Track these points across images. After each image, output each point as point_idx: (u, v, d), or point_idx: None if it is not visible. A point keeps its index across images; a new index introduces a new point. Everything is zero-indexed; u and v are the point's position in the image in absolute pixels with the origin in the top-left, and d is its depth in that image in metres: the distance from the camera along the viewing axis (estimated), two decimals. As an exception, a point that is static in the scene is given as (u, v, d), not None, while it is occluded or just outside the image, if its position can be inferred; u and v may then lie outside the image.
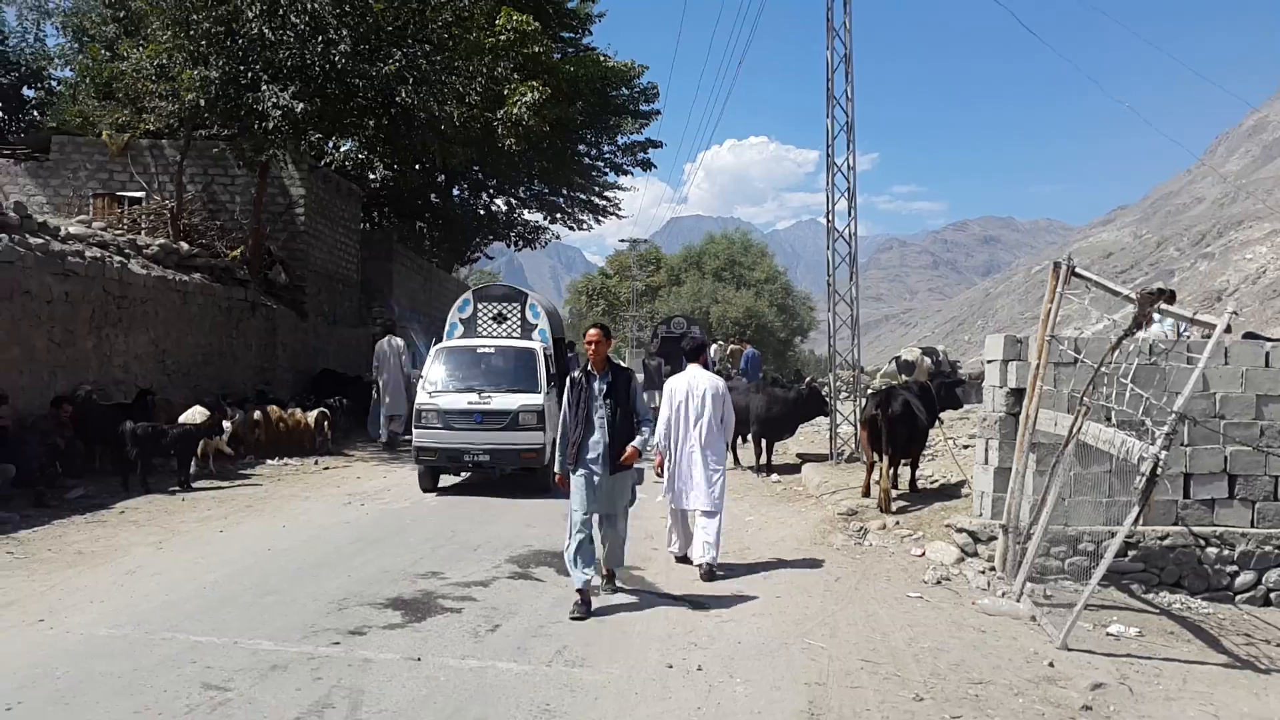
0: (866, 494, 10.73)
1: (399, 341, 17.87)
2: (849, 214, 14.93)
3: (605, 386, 7.00)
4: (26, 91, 23.28)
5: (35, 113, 23.08)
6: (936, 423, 11.73)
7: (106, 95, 18.73)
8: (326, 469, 14.16)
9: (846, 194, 14.90)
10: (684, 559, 8.25)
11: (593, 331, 7.09)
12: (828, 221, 14.92)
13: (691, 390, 8.20)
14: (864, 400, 12.76)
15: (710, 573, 7.74)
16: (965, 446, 12.16)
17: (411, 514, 10.66)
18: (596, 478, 6.93)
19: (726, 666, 5.53)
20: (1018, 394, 8.07)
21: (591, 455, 6.94)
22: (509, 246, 37.15)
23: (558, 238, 37.61)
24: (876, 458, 10.48)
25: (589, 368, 7.07)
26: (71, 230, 14.26)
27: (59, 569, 7.54)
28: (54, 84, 23.31)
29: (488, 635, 6.05)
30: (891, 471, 10.58)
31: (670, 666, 5.49)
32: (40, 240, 12.25)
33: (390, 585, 7.22)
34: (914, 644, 6.10)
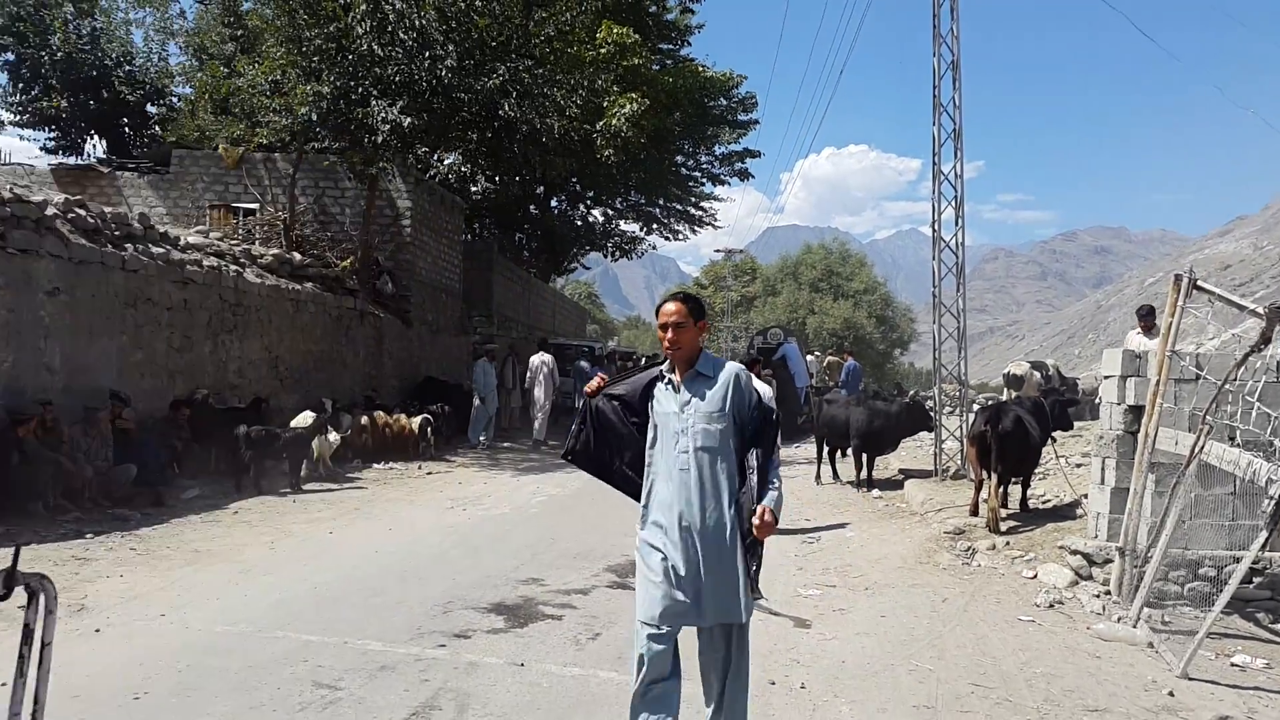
0: (974, 513, 10.43)
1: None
2: (955, 223, 14.60)
3: (693, 402, 3.86)
4: (150, 108, 24.36)
5: (157, 128, 24.18)
6: (1049, 440, 11.34)
7: (223, 110, 19.53)
8: (429, 474, 14.43)
9: (953, 203, 14.58)
10: None
11: (668, 307, 3.96)
12: (934, 231, 14.61)
13: None
14: (973, 415, 12.42)
15: None
16: (1078, 465, 11.74)
17: (513, 520, 10.78)
18: (687, 554, 3.77)
19: (831, 686, 5.43)
20: (1136, 411, 7.77)
21: (666, 518, 3.85)
22: (605, 257, 37.41)
23: (653, 248, 37.73)
24: (985, 475, 10.19)
25: (665, 367, 4.02)
26: (190, 240, 14.85)
27: (178, 566, 7.84)
28: (175, 100, 24.37)
29: (589, 643, 6.07)
30: (1001, 490, 10.28)
31: (773, 683, 5.41)
32: (162, 250, 12.80)
33: (492, 590, 7.30)
34: (1026, 668, 5.90)
